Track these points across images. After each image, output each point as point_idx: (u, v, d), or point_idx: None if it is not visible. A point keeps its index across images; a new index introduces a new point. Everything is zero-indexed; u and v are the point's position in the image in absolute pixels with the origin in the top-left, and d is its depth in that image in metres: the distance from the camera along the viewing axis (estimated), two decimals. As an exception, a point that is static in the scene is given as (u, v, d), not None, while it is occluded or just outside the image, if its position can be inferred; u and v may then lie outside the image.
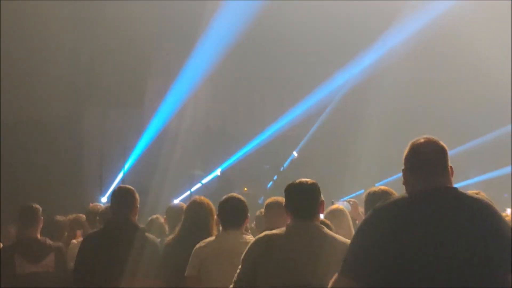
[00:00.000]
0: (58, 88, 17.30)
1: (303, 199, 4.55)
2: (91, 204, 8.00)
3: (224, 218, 5.53)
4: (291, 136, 19.80)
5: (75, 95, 17.76)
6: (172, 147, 16.78)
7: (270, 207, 6.18)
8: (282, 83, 20.28)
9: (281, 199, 4.90)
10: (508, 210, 6.80)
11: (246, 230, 6.48)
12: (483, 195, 5.58)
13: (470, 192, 4.34)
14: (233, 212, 5.53)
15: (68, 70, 17.59)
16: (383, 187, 5.82)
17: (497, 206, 3.52)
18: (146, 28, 17.14)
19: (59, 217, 7.62)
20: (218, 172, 18.01)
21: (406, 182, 3.57)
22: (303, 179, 4.65)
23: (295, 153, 19.08)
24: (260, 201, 17.65)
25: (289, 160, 19.17)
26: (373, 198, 5.52)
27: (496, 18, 16.05)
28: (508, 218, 5.82)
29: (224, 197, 5.65)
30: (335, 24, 16.93)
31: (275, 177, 19.01)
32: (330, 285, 3.41)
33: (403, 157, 3.58)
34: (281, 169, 18.86)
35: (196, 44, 16.84)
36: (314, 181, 4.66)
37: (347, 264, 3.37)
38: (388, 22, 16.52)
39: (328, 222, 5.48)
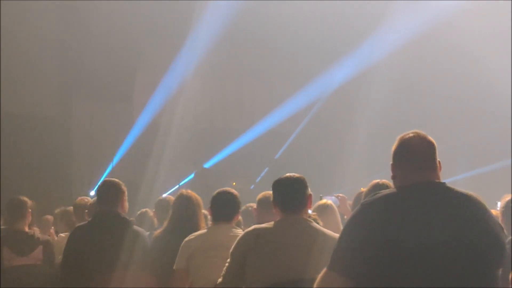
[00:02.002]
0: (47, 82, 17.25)
1: (290, 193, 4.58)
2: (78, 198, 7.98)
3: (215, 211, 5.55)
4: (281, 131, 19.82)
5: (64, 90, 17.71)
6: (160, 141, 16.79)
7: (261, 202, 6.21)
8: (271, 78, 20.29)
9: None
10: (499, 203, 6.82)
11: (239, 224, 6.51)
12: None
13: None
14: (224, 206, 5.54)
15: (56, 64, 17.53)
16: (385, 180, 5.80)
17: (486, 202, 3.53)
18: (134, 23, 17.11)
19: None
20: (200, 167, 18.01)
21: (394, 177, 3.58)
22: (290, 174, 4.68)
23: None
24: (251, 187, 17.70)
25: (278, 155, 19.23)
26: (375, 191, 5.47)
27: (490, 15, 16.12)
28: (496, 213, 5.82)
29: (216, 191, 5.67)
30: (326, 20, 16.93)
31: (265, 171, 19.05)
32: (318, 280, 3.41)
33: (392, 152, 3.60)
34: (266, 169, 18.87)
35: (185, 39, 16.83)
36: (301, 175, 4.69)
37: (335, 259, 3.37)
38: (380, 18, 16.53)
39: (316, 216, 5.49)
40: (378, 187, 5.60)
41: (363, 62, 17.28)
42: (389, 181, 5.75)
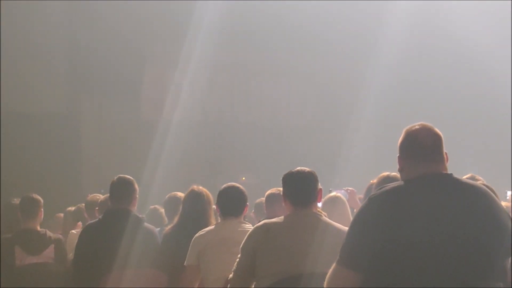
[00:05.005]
0: (55, 79, 17.29)
1: (301, 187, 4.58)
2: (89, 195, 8.00)
3: (223, 206, 5.55)
4: (288, 125, 19.82)
5: (73, 86, 17.75)
6: (169, 137, 16.79)
7: (271, 198, 6.21)
8: (279, 72, 20.25)
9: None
10: (509, 193, 6.80)
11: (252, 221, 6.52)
12: (478, 178, 5.60)
13: (465, 177, 4.37)
14: (232, 201, 5.55)
15: (65, 61, 17.56)
16: (394, 173, 5.78)
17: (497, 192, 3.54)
18: (143, 20, 17.12)
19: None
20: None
21: (401, 169, 3.58)
22: (300, 168, 4.69)
23: None
24: None
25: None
26: (384, 184, 5.44)
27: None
28: (507, 205, 5.82)
29: (223, 186, 5.68)
30: (331, 14, 16.93)
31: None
32: (328, 274, 3.42)
33: (398, 144, 3.60)
34: (275, 163, 18.80)
35: (193, 34, 16.81)
36: (311, 169, 4.70)
37: (343, 254, 3.38)
38: (381, 15, 16.52)
39: (324, 213, 5.50)
40: (388, 180, 5.59)
41: (366, 57, 17.25)
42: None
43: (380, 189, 3.46)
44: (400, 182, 3.49)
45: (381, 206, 3.36)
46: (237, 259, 4.55)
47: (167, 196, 7.52)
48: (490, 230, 3.31)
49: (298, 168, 4.69)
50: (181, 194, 7.07)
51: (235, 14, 16.60)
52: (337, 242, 3.56)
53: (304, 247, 4.35)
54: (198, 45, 16.96)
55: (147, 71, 19.04)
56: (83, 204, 8.04)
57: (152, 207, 8.20)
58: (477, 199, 3.39)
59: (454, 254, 3.23)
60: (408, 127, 3.60)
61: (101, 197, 7.41)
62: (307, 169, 4.68)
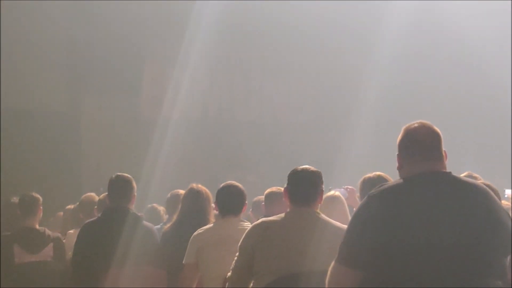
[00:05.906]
0: (55, 77, 17.25)
1: (304, 186, 4.55)
2: (84, 195, 7.97)
3: (222, 205, 5.55)
4: (289, 123, 19.77)
5: (73, 85, 17.70)
6: (168, 135, 16.76)
7: (271, 196, 6.20)
8: (279, 70, 20.23)
9: (282, 189, 4.92)
10: (507, 191, 6.79)
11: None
12: (476, 176, 5.61)
13: (463, 175, 4.37)
14: (230, 199, 5.54)
15: (65, 59, 17.52)
16: (378, 173, 5.81)
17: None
18: (142, 18, 17.09)
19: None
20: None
21: (400, 167, 3.57)
22: (306, 166, 4.67)
23: None
24: None
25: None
26: (368, 184, 5.50)
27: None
28: (507, 204, 5.82)
29: (222, 184, 5.67)
30: (332, 12, 16.91)
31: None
32: (329, 273, 3.43)
33: (397, 142, 3.59)
34: (275, 161, 18.79)
35: (193, 32, 16.80)
36: (317, 169, 4.68)
37: (343, 252, 3.38)
38: (383, 12, 16.51)
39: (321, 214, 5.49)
40: (370, 181, 5.61)
41: (366, 56, 17.25)
42: (380, 172, 5.78)
43: (379, 187, 3.45)
44: (399, 180, 3.49)
45: (380, 204, 3.36)
46: (236, 257, 4.54)
47: (169, 194, 7.52)
48: (489, 228, 3.31)
49: (304, 166, 4.67)
50: (182, 192, 7.07)
51: (235, 13, 16.58)
52: (336, 240, 3.55)
53: (303, 245, 4.34)
54: (197, 43, 16.93)
55: (146, 69, 19.01)
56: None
57: (150, 205, 8.20)
58: (476, 197, 3.39)
59: (453, 252, 3.22)
60: (407, 125, 3.59)
61: (95, 197, 7.41)
62: (312, 168, 4.66)
